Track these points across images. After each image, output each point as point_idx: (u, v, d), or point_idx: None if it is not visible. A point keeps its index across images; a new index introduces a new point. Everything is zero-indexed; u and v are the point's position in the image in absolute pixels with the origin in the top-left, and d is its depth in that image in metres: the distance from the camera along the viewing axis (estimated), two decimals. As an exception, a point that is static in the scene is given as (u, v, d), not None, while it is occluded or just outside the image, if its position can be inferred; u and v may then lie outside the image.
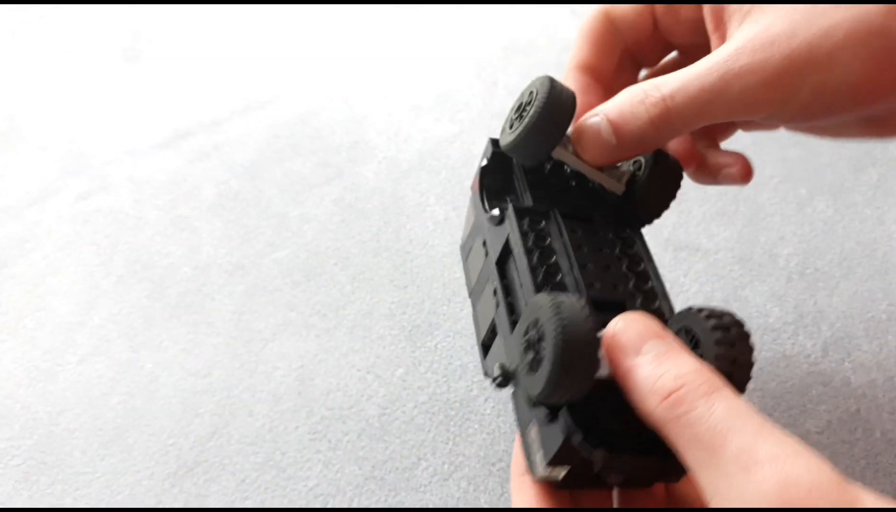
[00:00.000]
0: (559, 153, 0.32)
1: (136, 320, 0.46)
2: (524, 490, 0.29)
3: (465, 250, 0.37)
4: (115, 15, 0.64)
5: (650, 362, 0.24)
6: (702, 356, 0.25)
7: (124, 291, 0.48)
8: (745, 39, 0.29)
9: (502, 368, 0.29)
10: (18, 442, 0.42)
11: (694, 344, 0.26)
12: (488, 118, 0.57)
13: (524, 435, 0.29)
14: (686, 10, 0.34)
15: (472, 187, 0.36)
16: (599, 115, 0.30)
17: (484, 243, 0.34)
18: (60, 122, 0.57)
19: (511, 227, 0.31)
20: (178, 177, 0.54)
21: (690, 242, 0.50)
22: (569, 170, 0.35)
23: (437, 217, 0.51)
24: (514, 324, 0.29)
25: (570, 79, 0.36)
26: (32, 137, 0.56)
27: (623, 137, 0.30)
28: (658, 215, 0.34)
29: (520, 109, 0.31)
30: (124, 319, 0.47)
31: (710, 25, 0.32)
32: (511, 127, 0.31)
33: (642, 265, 0.31)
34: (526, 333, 0.25)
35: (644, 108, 0.30)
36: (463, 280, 0.48)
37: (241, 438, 0.42)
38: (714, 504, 0.21)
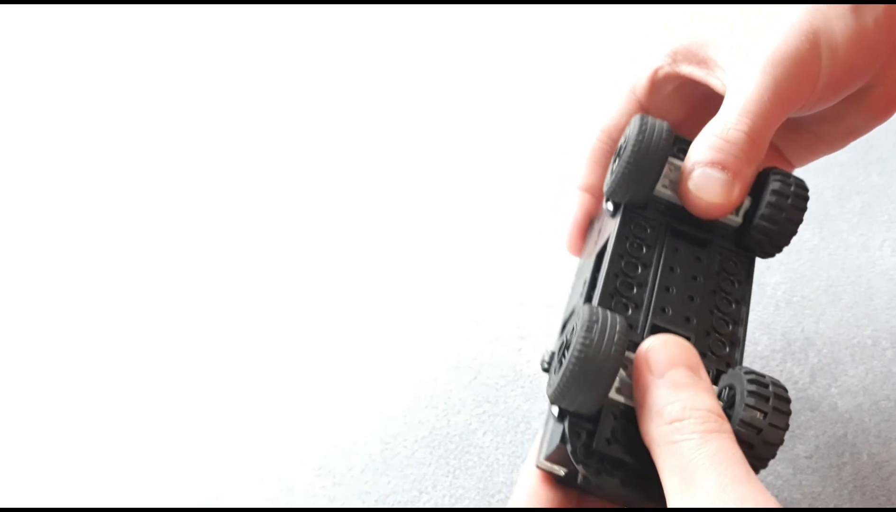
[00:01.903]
0: (661, 193, 0.31)
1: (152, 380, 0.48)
2: (529, 473, 0.30)
3: (595, 223, 0.36)
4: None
5: (668, 386, 0.25)
6: (729, 418, 0.25)
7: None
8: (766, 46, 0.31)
9: (551, 355, 0.29)
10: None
11: (730, 403, 0.26)
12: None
13: (546, 423, 0.29)
14: (673, 99, 0.36)
15: None
16: (696, 167, 0.30)
17: (599, 230, 0.34)
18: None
19: (614, 225, 0.30)
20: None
21: (680, 274, 0.51)
22: None
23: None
24: None
25: (576, 199, 0.38)
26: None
27: (738, 173, 0.30)
28: (785, 243, 0.32)
29: (618, 152, 0.31)
30: (146, 371, 0.48)
31: (718, 83, 0.33)
32: (611, 172, 0.32)
33: (733, 306, 0.30)
34: (565, 334, 0.26)
35: (735, 132, 0.30)
36: (460, 317, 0.50)
37: (248, 474, 0.43)
38: None
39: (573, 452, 0.26)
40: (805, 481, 0.42)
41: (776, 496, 0.23)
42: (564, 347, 0.25)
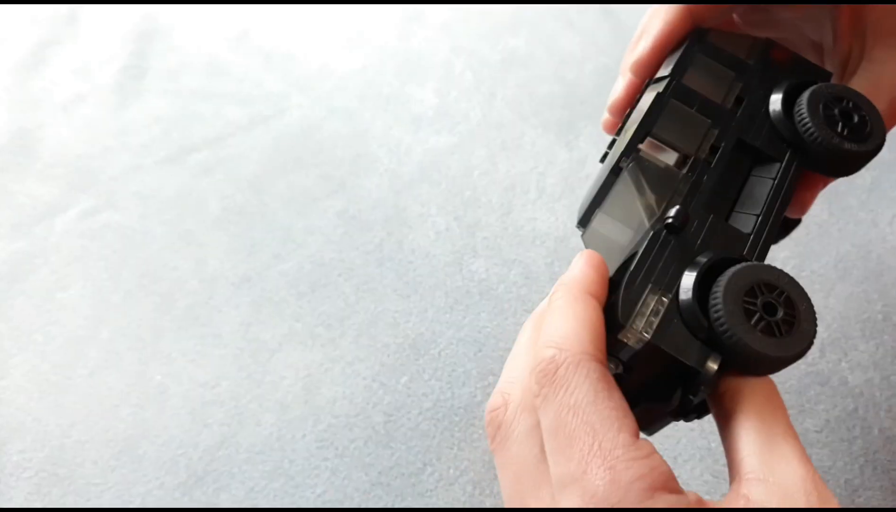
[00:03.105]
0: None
1: (144, 333, 0.47)
2: (584, 306, 0.23)
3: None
4: (120, 33, 0.66)
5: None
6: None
7: (133, 305, 0.49)
8: None
9: (681, 216, 0.25)
10: (30, 454, 0.42)
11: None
12: (487, 129, 0.58)
13: (635, 287, 0.24)
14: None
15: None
16: None
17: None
18: (68, 140, 0.58)
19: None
20: (183, 191, 0.55)
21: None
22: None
23: (439, 227, 0.52)
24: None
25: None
26: (40, 155, 0.57)
27: None
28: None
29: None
30: (133, 331, 0.47)
31: (839, 28, 0.32)
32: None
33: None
34: (758, 293, 0.23)
35: None
36: (464, 289, 0.49)
37: (249, 447, 0.42)
38: None
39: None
40: (815, 456, 0.42)
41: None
42: (782, 311, 0.23)
